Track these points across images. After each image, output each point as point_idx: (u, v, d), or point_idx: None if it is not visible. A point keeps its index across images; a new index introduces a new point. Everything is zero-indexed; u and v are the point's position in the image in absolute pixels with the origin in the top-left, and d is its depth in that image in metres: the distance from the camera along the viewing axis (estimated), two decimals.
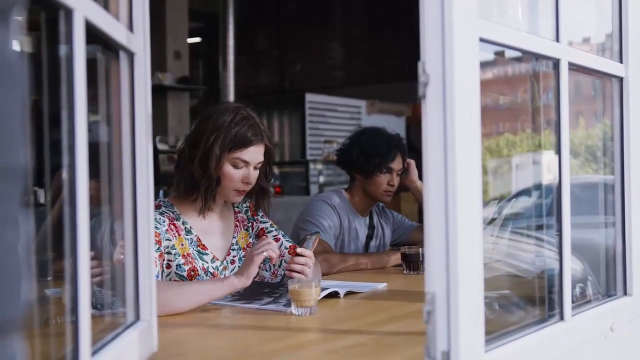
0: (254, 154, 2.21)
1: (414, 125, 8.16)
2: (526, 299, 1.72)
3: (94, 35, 1.11)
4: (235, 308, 2.00)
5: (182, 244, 2.19)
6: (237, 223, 2.39)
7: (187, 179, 2.21)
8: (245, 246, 2.37)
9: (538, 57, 1.56)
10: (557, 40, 1.51)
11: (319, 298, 1.93)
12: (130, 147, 1.36)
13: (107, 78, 1.35)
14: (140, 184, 1.38)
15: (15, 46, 0.59)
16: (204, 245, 2.25)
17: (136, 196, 1.38)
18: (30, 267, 0.60)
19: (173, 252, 2.15)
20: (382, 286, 2.35)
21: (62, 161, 1.03)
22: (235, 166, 2.20)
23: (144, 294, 1.39)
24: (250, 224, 2.42)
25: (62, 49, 1.02)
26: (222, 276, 2.24)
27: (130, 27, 1.35)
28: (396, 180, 3.03)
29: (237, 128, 2.17)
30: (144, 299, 1.39)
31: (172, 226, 2.18)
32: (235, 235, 2.36)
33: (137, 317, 1.38)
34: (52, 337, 1.26)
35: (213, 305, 1.99)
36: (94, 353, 1.10)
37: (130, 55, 1.35)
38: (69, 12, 1.00)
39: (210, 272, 2.23)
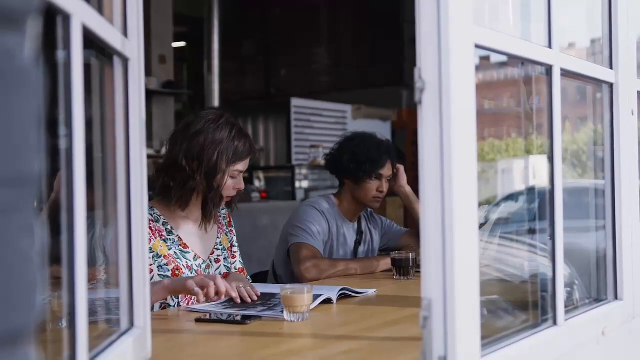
0: (247, 163, 2.34)
1: (400, 130, 8.18)
2: (517, 304, 1.73)
3: (89, 40, 1.11)
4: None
5: (161, 246, 2.24)
6: (220, 225, 2.46)
7: (189, 192, 2.26)
8: (227, 247, 2.45)
9: (531, 63, 1.57)
10: (550, 46, 1.52)
11: (313, 306, 1.92)
12: (125, 152, 1.36)
13: (100, 83, 1.35)
14: (135, 190, 1.37)
15: (31, 53, 0.59)
16: (185, 244, 2.30)
17: (130, 201, 1.37)
18: (43, 274, 0.60)
19: (151, 254, 2.18)
20: (372, 292, 2.35)
21: (52, 166, 1.02)
22: (232, 177, 2.30)
23: (138, 301, 1.38)
24: (229, 230, 2.51)
25: (60, 54, 1.01)
26: (207, 274, 2.32)
27: (125, 33, 1.35)
28: (385, 187, 3.03)
29: (236, 142, 2.27)
30: (138, 306, 1.38)
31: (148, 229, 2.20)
32: (219, 236, 2.44)
33: (132, 324, 1.37)
34: (45, 344, 1.25)
35: (206, 313, 1.97)
36: None
37: (125, 61, 1.35)
38: (66, 18, 0.99)
39: (194, 270, 2.29)
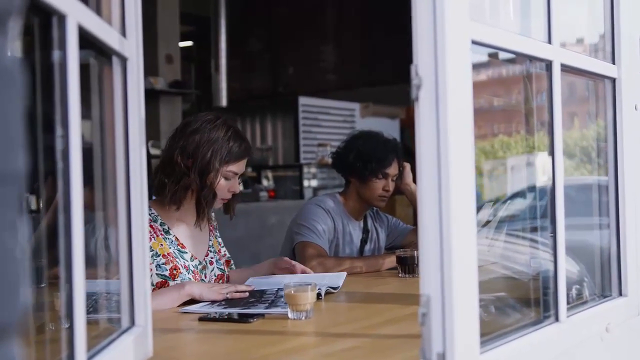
0: (243, 166, 2.36)
1: (408, 128, 8.17)
2: (521, 301, 1.72)
3: (86, 40, 1.11)
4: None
5: (162, 245, 2.27)
6: (211, 229, 2.51)
7: (183, 189, 2.28)
8: (217, 250, 2.49)
9: (530, 58, 1.56)
10: (550, 41, 1.52)
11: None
12: (124, 152, 1.36)
13: (99, 83, 1.35)
14: (135, 190, 1.38)
15: (13, 52, 0.59)
16: (182, 244, 2.33)
17: (130, 202, 1.38)
18: (28, 272, 0.61)
19: (150, 253, 2.20)
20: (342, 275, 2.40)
21: (55, 167, 1.03)
22: (226, 178, 2.32)
23: (138, 300, 1.39)
24: (217, 232, 2.55)
25: (55, 54, 1.02)
26: (203, 275, 2.36)
27: (123, 32, 1.35)
28: (391, 186, 3.02)
29: (231, 143, 2.30)
30: (139, 305, 1.39)
31: (149, 228, 2.21)
32: (210, 238, 2.48)
33: (132, 323, 1.38)
34: (44, 343, 1.26)
35: (205, 314, 1.97)
36: (90, 358, 1.09)
37: (123, 61, 1.35)
38: (62, 18, 1.00)
39: (191, 270, 2.32)
